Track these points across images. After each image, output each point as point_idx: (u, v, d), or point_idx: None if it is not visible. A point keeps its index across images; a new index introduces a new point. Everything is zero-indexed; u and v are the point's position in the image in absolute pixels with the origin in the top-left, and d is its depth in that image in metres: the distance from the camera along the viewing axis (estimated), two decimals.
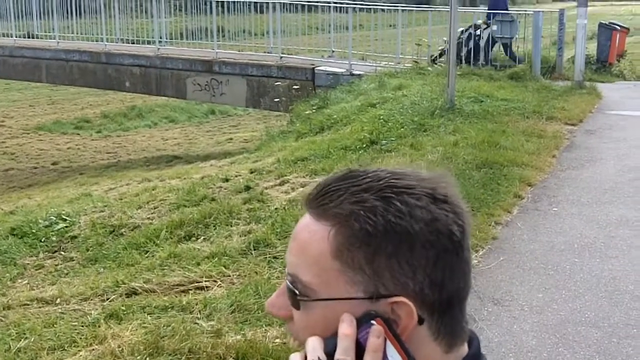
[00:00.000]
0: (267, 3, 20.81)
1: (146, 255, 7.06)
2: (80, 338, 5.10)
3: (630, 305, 5.92)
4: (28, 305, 5.94)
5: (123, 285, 6.10)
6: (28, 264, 7.49)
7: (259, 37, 23.38)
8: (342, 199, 1.09)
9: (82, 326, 5.34)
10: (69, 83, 24.23)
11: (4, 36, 24.65)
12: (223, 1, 21.65)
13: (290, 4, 20.79)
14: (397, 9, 19.77)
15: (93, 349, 4.91)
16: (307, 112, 14.63)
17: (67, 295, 6.02)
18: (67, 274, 7.08)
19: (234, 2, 21.71)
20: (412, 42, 19.34)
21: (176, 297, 5.83)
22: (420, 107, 12.53)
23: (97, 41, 22.69)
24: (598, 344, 5.30)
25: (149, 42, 21.75)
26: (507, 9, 17.89)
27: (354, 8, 19.42)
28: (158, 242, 7.35)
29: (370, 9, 20.42)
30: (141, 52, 21.20)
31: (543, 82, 16.15)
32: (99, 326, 5.24)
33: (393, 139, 10.76)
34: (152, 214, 8.40)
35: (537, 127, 11.96)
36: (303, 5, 20.36)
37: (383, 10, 20.57)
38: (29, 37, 24.76)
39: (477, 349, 1.18)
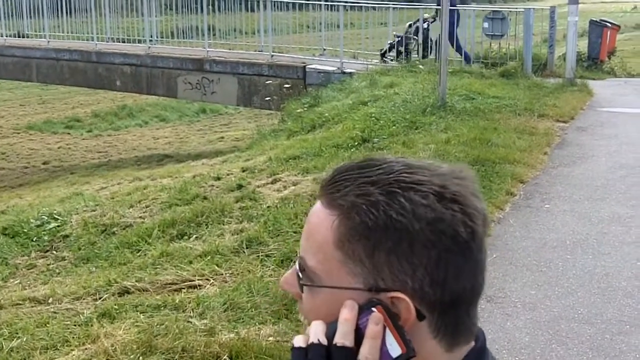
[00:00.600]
0: (258, 1, 20.76)
1: (138, 254, 7.04)
2: (73, 337, 5.08)
3: (623, 301, 5.93)
4: (20, 304, 5.92)
5: (115, 284, 6.08)
6: (20, 263, 7.47)
7: (249, 35, 23.34)
8: (348, 190, 1.09)
9: (75, 325, 5.33)
10: (60, 82, 24.15)
11: None
12: (213, 0, 21.64)
13: (281, 2, 20.77)
14: (388, 7, 19.77)
15: (86, 348, 4.89)
16: (298, 111, 14.61)
17: (59, 295, 6.00)
18: (59, 273, 7.06)
19: (225, 0, 21.69)
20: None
21: (169, 295, 5.81)
22: (411, 104, 12.53)
23: (87, 40, 22.62)
24: (591, 341, 5.31)
25: (139, 41, 21.69)
26: (455, 5, 17.95)
27: (345, 6, 19.40)
28: (150, 241, 7.34)
29: (361, 6, 20.39)
30: (132, 51, 21.13)
31: (534, 80, 16.18)
32: (92, 325, 5.22)
33: (385, 136, 10.75)
34: (144, 212, 8.38)
35: (529, 125, 11.97)
36: (294, 4, 20.35)
37: (374, 8, 20.56)
38: (19, 37, 24.69)
39: (483, 343, 1.17)
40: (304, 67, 18.02)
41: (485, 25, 17.73)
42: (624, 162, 10.18)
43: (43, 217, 8.50)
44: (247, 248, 6.76)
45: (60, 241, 7.92)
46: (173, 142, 23.73)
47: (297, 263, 1.15)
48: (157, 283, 6.06)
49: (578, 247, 7.13)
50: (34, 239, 7.98)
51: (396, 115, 11.85)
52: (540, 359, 5.12)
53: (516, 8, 20.63)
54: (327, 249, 1.09)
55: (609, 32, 20.27)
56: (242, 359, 4.74)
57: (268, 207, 7.94)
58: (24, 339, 5.07)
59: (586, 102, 14.81)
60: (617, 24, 22.21)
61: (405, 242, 1.05)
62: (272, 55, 19.02)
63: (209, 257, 6.54)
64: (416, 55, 17.81)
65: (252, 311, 5.43)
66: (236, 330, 5.10)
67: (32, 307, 5.86)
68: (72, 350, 4.90)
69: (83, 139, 24.44)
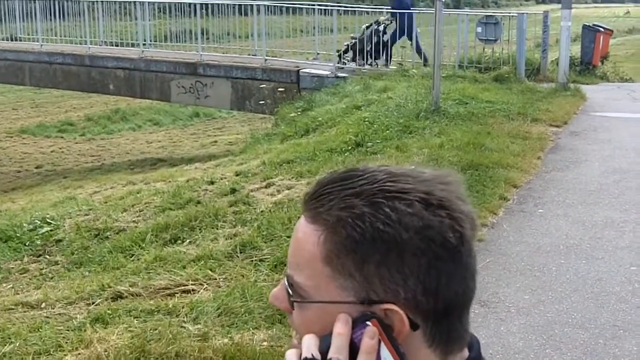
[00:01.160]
0: (251, 5, 20.78)
1: (132, 259, 7.03)
2: (66, 342, 5.07)
3: (616, 306, 5.94)
4: (13, 309, 5.90)
5: (109, 289, 6.07)
6: (12, 268, 7.45)
7: (243, 39, 23.35)
8: (332, 204, 1.08)
9: (68, 330, 5.31)
10: (53, 86, 24.12)
11: None
12: (207, 4, 21.64)
13: (274, 6, 20.77)
14: (382, 11, 19.78)
15: (79, 353, 4.88)
16: (292, 115, 14.62)
17: (52, 300, 5.99)
18: (52, 277, 7.04)
19: (218, 4, 21.69)
20: (396, 45, 19.37)
21: (162, 300, 5.80)
22: (405, 109, 12.53)
23: (80, 44, 22.56)
24: (585, 345, 5.31)
25: (133, 45, 21.71)
26: (409, 8, 18.03)
27: (339, 10, 19.41)
28: (143, 245, 7.33)
29: (354, 11, 20.39)
30: (125, 54, 21.14)
31: (527, 84, 16.17)
32: (85, 330, 5.21)
33: (378, 141, 10.76)
34: (137, 217, 8.37)
35: (522, 129, 11.98)
36: (287, 8, 20.33)
37: (367, 12, 20.54)
38: (12, 40, 24.65)
39: (478, 352, 1.17)
40: (298, 71, 18.04)
41: (479, 29, 17.76)
42: (617, 167, 10.19)
43: (36, 221, 8.48)
44: (240, 253, 6.76)
45: (53, 245, 7.90)
46: (166, 146, 23.72)
47: (285, 279, 1.13)
48: (151, 288, 6.05)
49: (572, 251, 7.14)
50: (27, 243, 7.96)
51: (390, 119, 11.85)
52: None
53: (509, 13, 20.66)
54: (315, 265, 1.08)
55: (601, 37, 20.29)
56: None
57: (262, 211, 7.93)
58: (17, 344, 5.05)
59: (579, 106, 14.82)
60: (610, 28, 22.24)
61: (394, 252, 1.04)
62: (266, 59, 19.04)
63: (202, 262, 6.54)
64: (371, 59, 17.93)
65: (245, 316, 5.42)
66: (230, 335, 5.10)
67: (25, 311, 5.85)
68: (65, 355, 4.89)
69: (76, 143, 24.41)
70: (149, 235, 7.53)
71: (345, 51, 18.37)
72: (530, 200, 8.77)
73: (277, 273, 6.24)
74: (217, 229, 7.55)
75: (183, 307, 5.57)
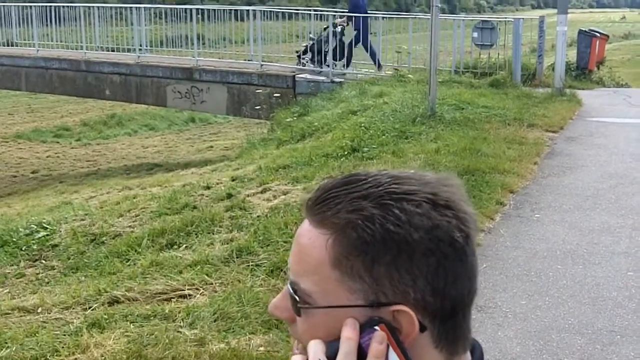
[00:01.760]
0: (247, 11, 20.81)
1: (128, 264, 7.02)
2: (63, 347, 5.06)
3: (613, 312, 5.94)
4: (9, 314, 5.89)
5: (105, 294, 6.06)
6: (9, 272, 7.43)
7: (239, 44, 23.34)
8: (340, 207, 1.07)
9: (64, 335, 5.30)
10: (49, 91, 24.13)
11: None
12: (203, 9, 21.64)
13: (270, 11, 20.79)
14: (377, 17, 19.81)
15: (75, 358, 4.87)
16: (288, 120, 14.62)
17: (48, 304, 5.97)
18: (48, 282, 7.03)
19: (214, 9, 21.71)
20: (392, 50, 19.40)
21: (159, 305, 5.79)
22: (401, 114, 12.53)
23: (76, 49, 22.58)
24: (582, 351, 5.31)
25: (129, 50, 21.69)
26: (367, 12, 18.11)
27: (334, 15, 19.43)
28: (140, 250, 7.32)
29: (350, 16, 20.41)
30: (121, 60, 21.14)
31: (523, 90, 16.19)
32: (81, 335, 5.20)
33: (374, 146, 10.75)
34: (133, 222, 8.36)
35: (518, 134, 11.99)
36: (283, 13, 20.38)
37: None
38: (8, 45, 24.65)
39: (480, 356, 1.16)
40: (294, 76, 18.06)
41: (475, 35, 17.81)
42: (614, 172, 10.20)
43: (32, 226, 8.47)
44: (237, 257, 6.74)
45: (50, 250, 7.89)
46: (162, 151, 23.72)
47: (289, 287, 1.12)
48: (147, 293, 6.04)
49: (568, 257, 7.14)
50: (23, 248, 7.95)
51: (386, 124, 11.85)
52: None
53: (505, 18, 20.76)
54: (323, 270, 1.07)
55: (597, 42, 20.33)
56: None
57: (258, 216, 7.93)
58: (13, 349, 5.04)
59: (575, 112, 14.84)
60: (605, 33, 22.28)
61: (404, 252, 1.04)
62: (262, 65, 19.06)
63: (198, 267, 6.53)
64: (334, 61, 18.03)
65: (242, 321, 5.41)
66: (226, 340, 5.09)
67: (21, 316, 5.83)
68: None
69: (72, 148, 24.42)
70: (145, 240, 7.52)
71: (305, 52, 18.45)
72: (527, 205, 8.77)
73: (273, 278, 6.23)
74: (214, 234, 7.55)
75: (179, 312, 5.57)
